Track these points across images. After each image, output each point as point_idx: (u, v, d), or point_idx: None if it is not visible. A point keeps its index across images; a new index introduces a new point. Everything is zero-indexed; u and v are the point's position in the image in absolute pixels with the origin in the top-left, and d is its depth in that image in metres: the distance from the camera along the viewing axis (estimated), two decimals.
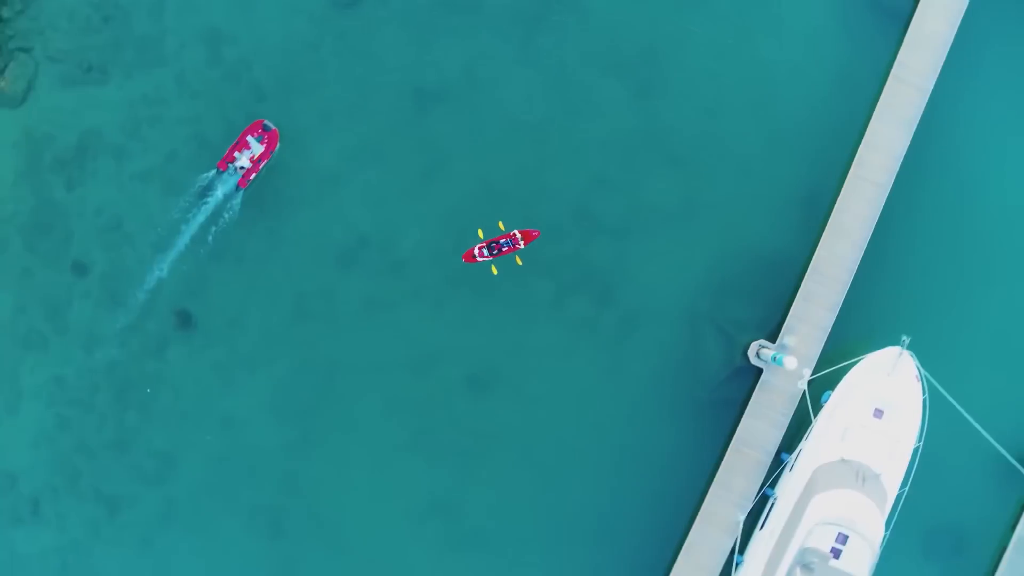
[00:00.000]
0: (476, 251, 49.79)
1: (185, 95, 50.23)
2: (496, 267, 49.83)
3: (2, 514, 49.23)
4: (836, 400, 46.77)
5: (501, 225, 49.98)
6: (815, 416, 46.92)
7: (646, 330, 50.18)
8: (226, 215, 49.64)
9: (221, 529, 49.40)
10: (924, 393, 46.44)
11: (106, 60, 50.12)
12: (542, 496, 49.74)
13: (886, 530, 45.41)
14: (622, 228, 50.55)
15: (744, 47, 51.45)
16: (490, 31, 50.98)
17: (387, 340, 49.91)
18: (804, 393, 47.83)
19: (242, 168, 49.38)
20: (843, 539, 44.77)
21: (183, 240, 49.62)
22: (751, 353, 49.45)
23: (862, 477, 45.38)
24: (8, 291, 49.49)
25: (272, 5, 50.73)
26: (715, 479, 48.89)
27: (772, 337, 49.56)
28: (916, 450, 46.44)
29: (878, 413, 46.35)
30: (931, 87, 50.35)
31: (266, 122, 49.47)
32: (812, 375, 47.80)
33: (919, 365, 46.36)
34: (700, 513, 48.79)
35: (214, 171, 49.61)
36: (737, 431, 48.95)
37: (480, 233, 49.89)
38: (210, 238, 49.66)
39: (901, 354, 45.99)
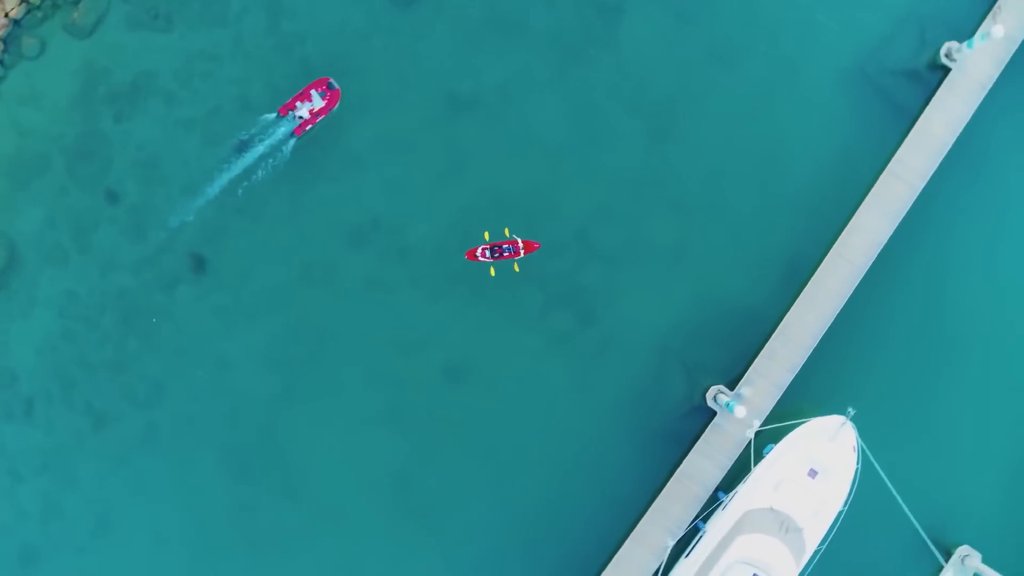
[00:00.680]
0: (479, 251, 50.99)
1: (239, 56, 51.43)
2: (495, 269, 51.01)
3: None
4: (777, 453, 48.02)
5: (507, 231, 51.19)
6: (755, 464, 48.07)
7: (618, 354, 51.24)
8: (276, 156, 50.67)
9: (194, 461, 50.22)
10: (858, 463, 47.66)
11: (173, 10, 51.36)
12: (493, 487, 50.59)
13: None
14: (616, 257, 51.76)
15: (761, 114, 52.73)
16: (530, 53, 52.29)
17: (380, 318, 50.88)
18: (750, 442, 48.76)
19: (301, 118, 50.64)
20: None
21: (213, 190, 50.64)
22: (709, 396, 50.65)
23: (786, 528, 47.03)
24: (42, 205, 50.57)
25: None
26: (654, 504, 49.96)
27: (732, 385, 50.72)
28: (840, 513, 47.52)
29: (812, 473, 47.63)
30: (922, 187, 51.45)
31: (331, 80, 50.53)
32: (760, 426, 48.70)
33: (858, 436, 47.64)
34: (634, 532, 49.87)
35: (274, 114, 50.90)
36: (682, 464, 50.11)
37: (486, 235, 51.11)
38: (240, 192, 50.64)
39: (844, 423, 47.29)
